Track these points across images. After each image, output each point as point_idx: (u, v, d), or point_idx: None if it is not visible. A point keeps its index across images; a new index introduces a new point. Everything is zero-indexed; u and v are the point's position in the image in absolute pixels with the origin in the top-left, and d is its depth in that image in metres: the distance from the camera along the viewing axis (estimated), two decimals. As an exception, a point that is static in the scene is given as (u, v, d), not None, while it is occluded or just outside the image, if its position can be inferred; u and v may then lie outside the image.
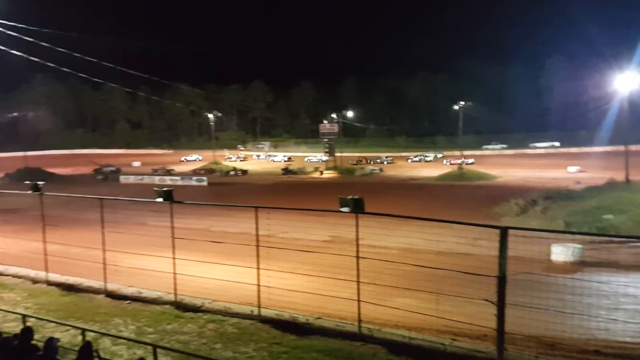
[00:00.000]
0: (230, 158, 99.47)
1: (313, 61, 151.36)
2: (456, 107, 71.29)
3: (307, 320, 11.09)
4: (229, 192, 50.35)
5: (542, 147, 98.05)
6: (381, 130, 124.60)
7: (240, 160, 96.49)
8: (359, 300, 10.23)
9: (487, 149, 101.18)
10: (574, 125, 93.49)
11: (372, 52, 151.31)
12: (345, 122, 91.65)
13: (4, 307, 11.82)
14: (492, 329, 8.67)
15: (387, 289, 11.11)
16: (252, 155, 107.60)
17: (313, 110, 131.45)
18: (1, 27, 15.37)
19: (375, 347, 9.79)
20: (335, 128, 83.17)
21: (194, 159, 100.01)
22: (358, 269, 10.25)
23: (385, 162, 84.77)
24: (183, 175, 69.25)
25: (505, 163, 74.74)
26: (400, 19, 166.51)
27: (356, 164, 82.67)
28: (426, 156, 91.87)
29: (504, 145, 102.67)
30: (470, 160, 79.63)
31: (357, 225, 10.17)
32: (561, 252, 19.42)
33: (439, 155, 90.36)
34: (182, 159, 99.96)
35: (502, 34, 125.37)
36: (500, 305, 8.39)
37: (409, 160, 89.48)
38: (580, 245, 19.57)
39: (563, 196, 35.08)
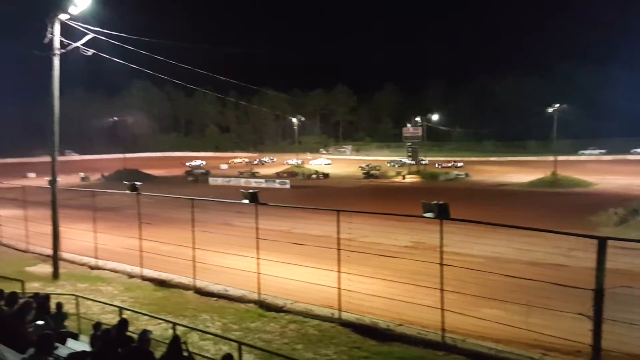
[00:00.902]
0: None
1: (397, 64, 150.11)
2: (550, 110, 67.43)
3: (388, 326, 10.96)
4: (311, 195, 51.01)
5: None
6: (468, 134, 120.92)
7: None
8: (442, 309, 9.95)
9: (583, 154, 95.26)
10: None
11: (459, 53, 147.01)
12: (429, 126, 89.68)
13: (102, 300, 12.74)
14: (587, 345, 8.13)
15: (472, 298, 10.72)
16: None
17: (396, 114, 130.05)
18: (104, 37, 16.49)
19: (460, 357, 9.50)
20: (419, 131, 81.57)
21: (198, 164, 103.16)
22: (442, 277, 9.97)
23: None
24: (267, 178, 71.04)
25: (603, 169, 69.93)
26: (490, 19, 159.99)
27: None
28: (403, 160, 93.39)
29: (602, 151, 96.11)
30: (460, 164, 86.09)
31: (441, 232, 9.90)
32: (667, 267, 17.78)
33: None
34: (187, 164, 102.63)
35: (600, 33, 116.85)
36: (597, 320, 7.86)
37: (389, 165, 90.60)
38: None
39: (669, 206, 32.12)
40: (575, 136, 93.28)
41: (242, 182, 64.79)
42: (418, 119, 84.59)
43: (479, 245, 12.29)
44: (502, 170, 79.55)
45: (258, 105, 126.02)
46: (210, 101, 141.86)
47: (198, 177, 72.84)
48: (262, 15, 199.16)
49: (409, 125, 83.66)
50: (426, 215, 9.85)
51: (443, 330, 9.99)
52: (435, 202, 9.73)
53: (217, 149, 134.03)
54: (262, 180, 65.97)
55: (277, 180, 65.97)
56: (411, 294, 11.13)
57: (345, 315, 11.52)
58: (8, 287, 8.48)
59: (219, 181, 67.58)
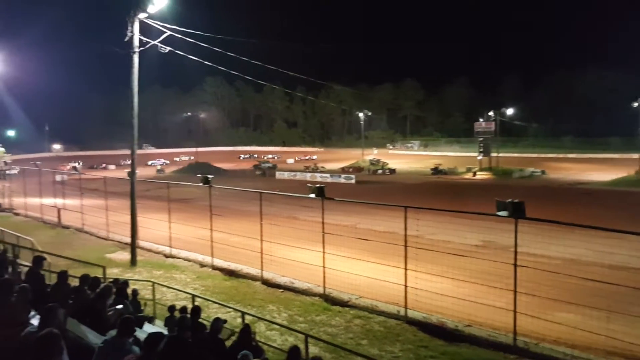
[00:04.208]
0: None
1: (470, 56, 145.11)
2: (635, 105, 62.94)
3: (456, 326, 10.69)
4: (376, 191, 50.59)
5: None
6: (545, 130, 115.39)
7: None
8: (515, 311, 9.57)
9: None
10: None
11: (537, 45, 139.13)
12: (503, 121, 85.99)
13: (176, 287, 13.28)
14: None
15: (546, 301, 10.24)
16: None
17: (468, 108, 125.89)
18: (179, 34, 17.06)
19: (532, 362, 9.10)
20: (492, 126, 78.49)
21: (187, 159, 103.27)
22: (515, 278, 9.56)
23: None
24: (332, 172, 71.34)
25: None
26: (571, 9, 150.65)
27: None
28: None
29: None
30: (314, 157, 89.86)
31: (516, 231, 9.49)
32: None
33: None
34: (175, 158, 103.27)
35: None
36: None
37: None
38: None
39: None
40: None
41: (308, 176, 65.51)
42: (491, 113, 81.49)
43: (555, 246, 11.70)
44: (581, 168, 75.41)
45: (325, 100, 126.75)
46: (278, 96, 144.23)
47: (265, 171, 74.40)
48: (330, 9, 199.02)
49: (481, 120, 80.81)
50: (500, 213, 9.47)
51: (515, 333, 9.60)
52: (510, 200, 9.33)
53: (284, 144, 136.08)
54: (327, 175, 66.28)
55: (343, 175, 66.00)
56: (481, 295, 10.79)
57: (411, 313, 11.35)
58: (92, 273, 8.97)
59: (286, 175, 68.82)
